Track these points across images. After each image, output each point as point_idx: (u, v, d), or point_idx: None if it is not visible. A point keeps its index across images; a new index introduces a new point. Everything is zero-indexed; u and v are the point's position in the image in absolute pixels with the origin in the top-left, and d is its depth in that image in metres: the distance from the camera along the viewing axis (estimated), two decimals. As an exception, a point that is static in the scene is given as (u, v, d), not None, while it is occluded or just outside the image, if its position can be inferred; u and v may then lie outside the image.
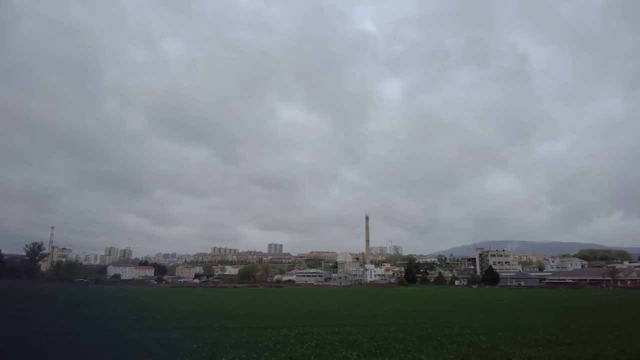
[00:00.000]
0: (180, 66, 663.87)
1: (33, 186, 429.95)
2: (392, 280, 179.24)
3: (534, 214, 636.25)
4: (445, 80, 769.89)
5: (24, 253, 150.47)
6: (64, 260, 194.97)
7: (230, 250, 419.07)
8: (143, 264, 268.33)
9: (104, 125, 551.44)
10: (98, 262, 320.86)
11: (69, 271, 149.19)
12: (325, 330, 20.58)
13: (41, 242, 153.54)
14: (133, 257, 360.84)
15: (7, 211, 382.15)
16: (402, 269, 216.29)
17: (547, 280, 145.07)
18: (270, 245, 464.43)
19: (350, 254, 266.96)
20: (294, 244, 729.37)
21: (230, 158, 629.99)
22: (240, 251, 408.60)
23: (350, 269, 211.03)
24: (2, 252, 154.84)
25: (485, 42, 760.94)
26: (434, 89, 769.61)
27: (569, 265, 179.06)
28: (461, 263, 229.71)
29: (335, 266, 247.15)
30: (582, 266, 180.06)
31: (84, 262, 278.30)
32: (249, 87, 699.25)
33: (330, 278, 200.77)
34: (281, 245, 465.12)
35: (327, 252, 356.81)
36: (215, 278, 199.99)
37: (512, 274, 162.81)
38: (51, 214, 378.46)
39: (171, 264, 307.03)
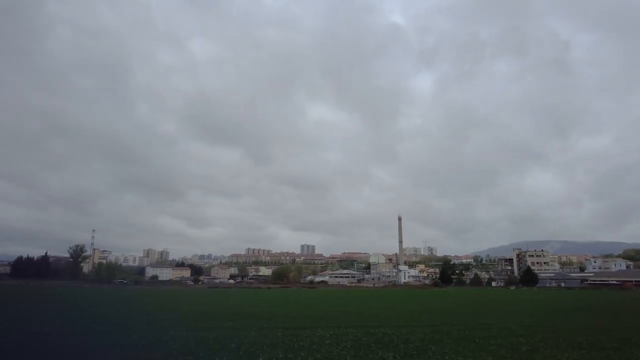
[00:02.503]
0: (208, 67, 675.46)
1: (73, 190, 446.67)
2: (427, 281, 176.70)
3: (576, 212, 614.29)
4: (480, 73, 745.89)
5: (68, 255, 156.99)
6: (104, 261, 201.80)
7: (263, 251, 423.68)
8: (180, 265, 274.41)
9: (137, 128, 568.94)
10: (136, 264, 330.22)
11: (110, 272, 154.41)
12: (360, 331, 20.57)
13: (83, 245, 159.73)
14: (170, 258, 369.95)
15: (51, 215, 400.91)
16: (437, 270, 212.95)
17: (589, 281, 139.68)
18: (302, 246, 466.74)
19: (383, 254, 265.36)
20: (326, 245, 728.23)
21: (261, 159, 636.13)
22: (273, 252, 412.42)
23: (384, 270, 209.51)
24: (48, 254, 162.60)
25: (523, 30, 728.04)
26: (469, 82, 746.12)
27: (613, 266, 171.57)
28: (498, 264, 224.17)
29: (368, 267, 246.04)
30: (627, 267, 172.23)
31: (123, 264, 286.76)
32: (278, 86, 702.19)
33: (363, 279, 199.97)
34: (314, 246, 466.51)
35: (359, 253, 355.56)
36: (250, 279, 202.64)
37: (552, 274, 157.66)
38: (91, 216, 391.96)
39: (207, 265, 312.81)
